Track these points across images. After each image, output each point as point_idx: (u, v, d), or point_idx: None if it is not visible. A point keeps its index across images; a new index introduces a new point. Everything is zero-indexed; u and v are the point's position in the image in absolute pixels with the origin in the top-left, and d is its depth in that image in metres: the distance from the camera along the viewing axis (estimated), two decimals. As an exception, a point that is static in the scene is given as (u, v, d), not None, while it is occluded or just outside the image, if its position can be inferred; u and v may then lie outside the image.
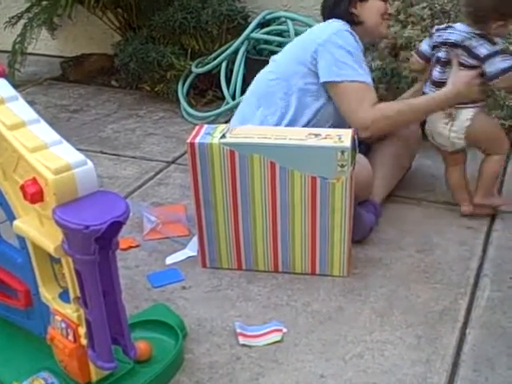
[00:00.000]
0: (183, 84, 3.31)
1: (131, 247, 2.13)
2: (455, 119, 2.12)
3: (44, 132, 1.35)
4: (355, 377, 1.59)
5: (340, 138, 1.81)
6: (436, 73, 2.13)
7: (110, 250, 1.32)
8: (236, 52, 3.20)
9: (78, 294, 1.35)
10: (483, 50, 2.02)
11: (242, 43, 3.19)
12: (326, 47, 2.05)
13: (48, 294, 1.46)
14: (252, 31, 3.19)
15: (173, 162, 2.76)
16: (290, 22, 3.15)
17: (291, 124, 2.09)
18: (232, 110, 2.87)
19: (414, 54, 2.24)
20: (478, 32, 2.03)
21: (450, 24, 2.14)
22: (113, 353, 1.39)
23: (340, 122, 2.10)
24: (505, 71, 2.01)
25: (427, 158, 2.69)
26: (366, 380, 1.58)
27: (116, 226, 1.27)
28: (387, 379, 1.58)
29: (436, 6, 2.70)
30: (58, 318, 1.43)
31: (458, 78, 2.06)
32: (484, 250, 2.08)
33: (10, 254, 1.56)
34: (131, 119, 3.25)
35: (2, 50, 3.97)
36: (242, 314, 1.81)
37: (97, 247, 1.26)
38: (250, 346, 1.69)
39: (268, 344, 1.70)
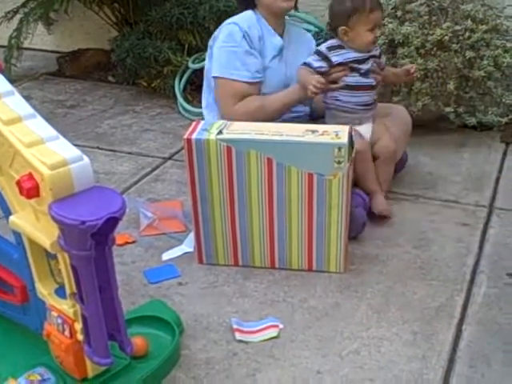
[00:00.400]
0: (180, 80, 3.31)
1: (127, 243, 2.12)
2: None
3: (40, 127, 1.34)
4: (352, 373, 1.59)
5: (337, 135, 1.81)
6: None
7: (106, 246, 1.32)
8: (233, 48, 3.19)
9: (74, 289, 1.35)
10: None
11: (239, 39, 3.18)
12: (216, 45, 2.25)
13: (44, 290, 1.46)
14: (249, 27, 3.18)
15: (169, 158, 2.76)
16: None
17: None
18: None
19: None
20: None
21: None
22: (109, 348, 1.39)
23: None
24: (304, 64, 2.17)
25: (424, 155, 2.70)
26: (363, 376, 1.58)
27: (112, 222, 1.26)
28: (383, 375, 1.58)
29: (434, 2, 2.69)
30: (55, 313, 1.42)
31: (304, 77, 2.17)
32: (480, 247, 2.09)
33: (6, 249, 1.56)
34: (128, 115, 3.24)
35: (-2, 44, 3.96)
36: (238, 310, 1.81)
37: (93, 243, 1.26)
38: (246, 342, 1.69)
39: (264, 340, 1.70)
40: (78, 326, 1.38)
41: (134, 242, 2.14)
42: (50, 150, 1.29)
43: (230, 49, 2.20)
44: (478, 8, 2.71)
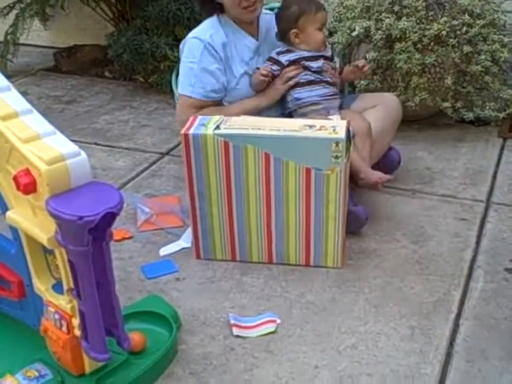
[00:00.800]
0: (177, 75, 3.29)
1: (125, 238, 2.12)
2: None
3: (37, 123, 1.34)
4: (349, 367, 1.59)
5: (334, 130, 1.81)
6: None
7: (103, 241, 1.32)
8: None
9: (72, 285, 1.35)
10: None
11: (236, 34, 3.18)
12: (181, 60, 2.25)
13: (41, 286, 1.45)
14: (246, 22, 3.17)
15: (167, 154, 2.75)
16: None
17: None
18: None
19: None
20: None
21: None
22: (106, 344, 1.39)
23: None
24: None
25: (421, 150, 2.70)
26: (360, 371, 1.59)
27: (110, 217, 1.26)
28: (381, 370, 1.59)
29: (431, -3, 2.69)
30: (52, 309, 1.42)
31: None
32: (478, 242, 2.09)
33: (3, 245, 1.55)
34: (125, 110, 3.24)
35: (-5, 40, 3.95)
36: (235, 305, 1.81)
37: (90, 238, 1.25)
38: (243, 337, 1.69)
39: (262, 335, 1.70)
40: (76, 321, 1.38)
41: (131, 237, 2.14)
42: (47, 146, 1.29)
43: (188, 64, 2.19)
44: (476, 2, 2.70)
